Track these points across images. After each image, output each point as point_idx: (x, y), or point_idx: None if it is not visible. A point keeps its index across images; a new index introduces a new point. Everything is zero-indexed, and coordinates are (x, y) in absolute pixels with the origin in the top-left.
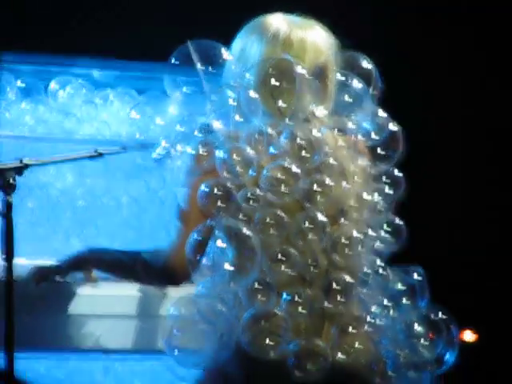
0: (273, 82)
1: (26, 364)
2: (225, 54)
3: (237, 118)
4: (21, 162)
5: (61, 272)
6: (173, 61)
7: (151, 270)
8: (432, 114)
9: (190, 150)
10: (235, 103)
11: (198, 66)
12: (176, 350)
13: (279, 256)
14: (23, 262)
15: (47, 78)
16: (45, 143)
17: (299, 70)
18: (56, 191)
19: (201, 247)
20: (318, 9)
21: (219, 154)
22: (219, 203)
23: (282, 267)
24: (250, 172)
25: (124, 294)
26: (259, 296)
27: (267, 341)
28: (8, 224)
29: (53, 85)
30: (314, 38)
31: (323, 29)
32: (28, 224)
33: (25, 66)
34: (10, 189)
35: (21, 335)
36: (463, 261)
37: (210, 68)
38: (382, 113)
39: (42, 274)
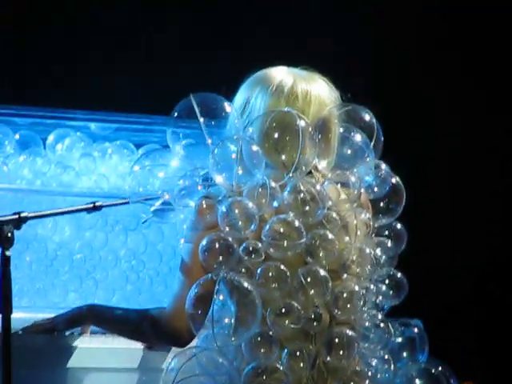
0: (275, 135)
1: None
2: (227, 107)
3: (239, 171)
4: (19, 215)
5: (58, 327)
6: (176, 114)
7: (155, 329)
8: (433, 162)
9: (192, 204)
10: (238, 157)
11: (201, 119)
12: None
13: (282, 310)
14: (21, 316)
15: (45, 130)
16: (43, 196)
17: (302, 123)
18: (54, 244)
19: (201, 301)
20: (317, 63)
21: (221, 207)
22: (220, 258)
23: (286, 321)
24: (252, 226)
25: (123, 346)
26: (262, 349)
27: None
28: (6, 277)
29: (51, 138)
30: (318, 91)
31: (326, 82)
32: (26, 278)
33: (23, 119)
34: (7, 242)
35: None
36: (463, 314)
37: (213, 121)
38: (383, 166)
39: (40, 328)
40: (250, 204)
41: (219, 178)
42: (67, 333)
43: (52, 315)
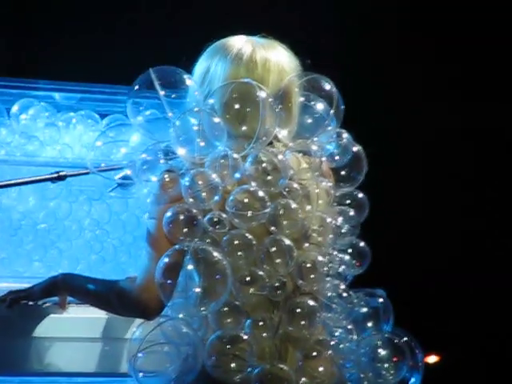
0: (236, 106)
1: None
2: (187, 79)
3: (201, 143)
4: None
5: (34, 296)
6: (135, 87)
7: (125, 300)
8: (394, 131)
9: (154, 178)
10: (199, 129)
11: (161, 92)
12: (140, 373)
13: (247, 278)
14: None
15: (9, 100)
16: (7, 166)
17: (262, 93)
18: (18, 214)
19: (170, 271)
20: (278, 29)
21: (184, 180)
22: (185, 229)
23: (251, 289)
24: (216, 197)
25: (89, 316)
26: (228, 319)
27: (232, 364)
28: None
29: (15, 107)
30: (278, 58)
31: (286, 49)
32: None
33: None
34: None
35: None
36: (427, 282)
37: (173, 94)
38: (345, 134)
39: (14, 298)
40: (213, 175)
41: (181, 151)
42: (40, 302)
43: (16, 285)
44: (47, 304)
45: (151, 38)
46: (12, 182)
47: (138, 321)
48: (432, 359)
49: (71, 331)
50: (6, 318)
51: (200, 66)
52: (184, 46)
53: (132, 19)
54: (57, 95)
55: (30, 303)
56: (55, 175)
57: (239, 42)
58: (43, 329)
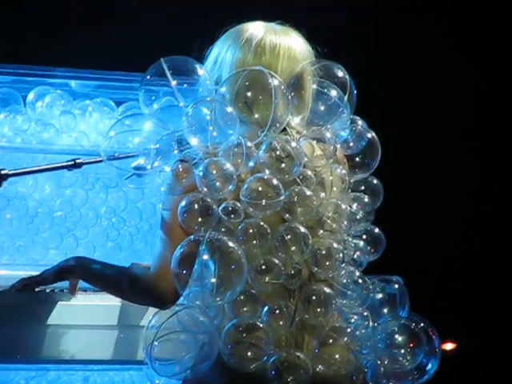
0: (248, 94)
1: (5, 375)
2: (198, 68)
3: (214, 132)
4: None
5: (47, 281)
6: (147, 77)
7: (138, 286)
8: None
9: (168, 168)
10: (212, 118)
11: (173, 82)
12: (156, 361)
13: (263, 267)
14: (1, 273)
15: (26, 88)
16: (23, 154)
17: (274, 81)
18: (34, 202)
19: (186, 260)
20: (295, 17)
21: (198, 169)
22: (200, 219)
23: (266, 278)
24: (230, 187)
25: (104, 304)
26: (245, 308)
27: (248, 353)
28: None
29: (31, 95)
30: (289, 45)
31: (300, 36)
32: (7, 235)
33: (3, 77)
34: None
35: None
36: (444, 271)
37: (185, 84)
38: (360, 121)
39: (27, 283)
40: (227, 164)
41: (194, 140)
42: (48, 290)
43: (33, 272)
44: (56, 290)
45: (167, 25)
46: (28, 169)
47: (154, 308)
48: (449, 346)
49: (88, 319)
50: (22, 306)
51: (213, 50)
52: (199, 33)
53: (147, 6)
54: (73, 83)
55: (41, 288)
56: (71, 163)
57: (252, 28)
58: (60, 316)
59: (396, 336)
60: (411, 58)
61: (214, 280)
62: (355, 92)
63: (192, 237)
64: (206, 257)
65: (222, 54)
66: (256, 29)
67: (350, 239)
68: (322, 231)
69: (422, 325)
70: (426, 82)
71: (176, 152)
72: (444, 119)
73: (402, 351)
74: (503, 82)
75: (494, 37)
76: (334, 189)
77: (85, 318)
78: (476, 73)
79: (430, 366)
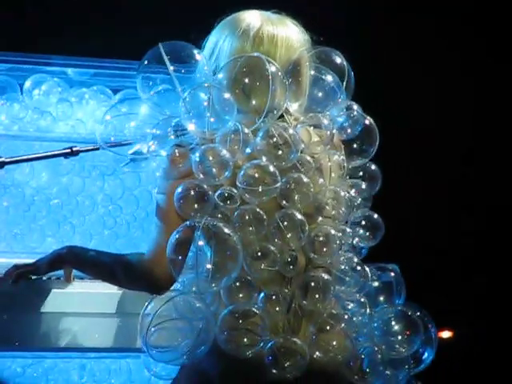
0: (245, 80)
1: (1, 363)
2: (196, 54)
3: (211, 118)
4: None
5: (40, 270)
6: (145, 62)
7: (132, 272)
8: (405, 106)
9: (164, 153)
10: (209, 104)
11: (170, 67)
12: (153, 348)
13: (259, 253)
14: None
15: (22, 76)
16: (20, 141)
17: (271, 67)
18: (31, 190)
19: (181, 246)
20: (291, 6)
21: (194, 155)
22: (196, 205)
23: (262, 265)
24: (227, 173)
25: (101, 291)
26: (240, 294)
27: (244, 339)
28: None
29: (28, 83)
30: (287, 34)
31: (296, 25)
32: (3, 223)
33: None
34: None
35: None
36: (441, 258)
37: (183, 69)
38: (356, 107)
39: (20, 272)
40: (224, 151)
41: (191, 126)
42: (45, 277)
43: (29, 260)
44: (52, 278)
45: (165, 12)
46: (25, 157)
47: (150, 296)
48: (446, 334)
49: (85, 306)
50: (19, 294)
51: (210, 40)
52: (196, 21)
53: None
54: (70, 70)
55: (35, 277)
56: (68, 151)
57: (249, 17)
58: (57, 304)
59: (393, 323)
60: (410, 57)
61: (209, 266)
62: (353, 78)
63: (188, 223)
64: (201, 243)
65: (220, 43)
66: (253, 18)
67: (349, 225)
68: (320, 218)
69: (418, 313)
70: (426, 81)
71: (173, 137)
72: (444, 110)
73: (399, 338)
74: (503, 82)
75: (493, 37)
76: (332, 175)
77: (82, 305)
78: (476, 73)
79: (426, 355)
